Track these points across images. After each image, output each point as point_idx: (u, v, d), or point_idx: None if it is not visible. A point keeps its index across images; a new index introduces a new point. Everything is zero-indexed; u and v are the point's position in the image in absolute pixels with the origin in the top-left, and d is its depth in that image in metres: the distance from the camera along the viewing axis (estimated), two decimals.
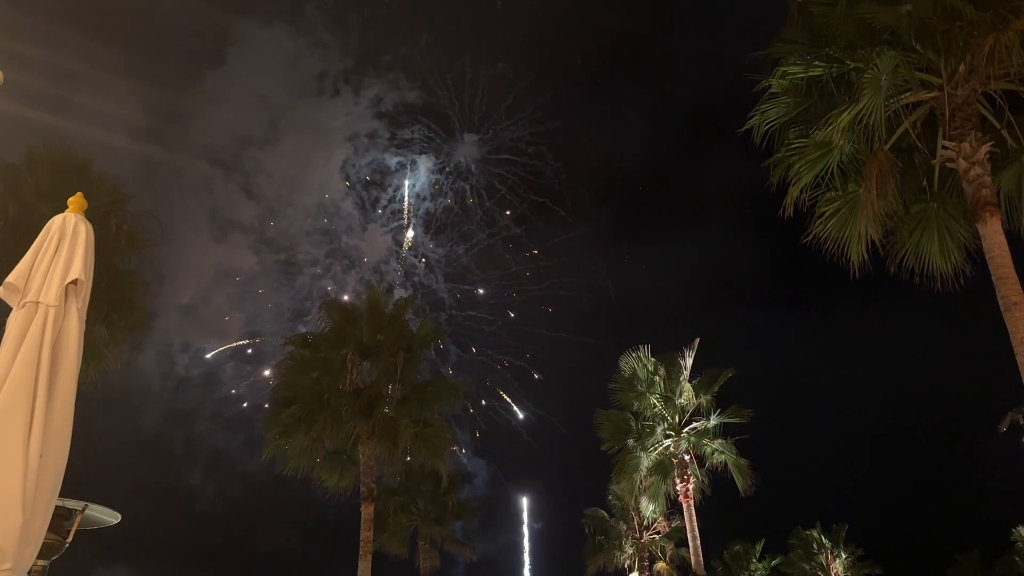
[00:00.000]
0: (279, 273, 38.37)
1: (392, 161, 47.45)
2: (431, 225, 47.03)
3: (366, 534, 22.91)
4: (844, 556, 41.64)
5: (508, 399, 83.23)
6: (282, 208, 45.37)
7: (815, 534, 42.38)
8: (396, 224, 43.55)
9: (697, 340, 27.87)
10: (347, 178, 44.37)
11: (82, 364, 5.94)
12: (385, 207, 43.27)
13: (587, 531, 36.47)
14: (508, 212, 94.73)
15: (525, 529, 71.57)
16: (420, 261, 45.61)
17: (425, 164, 46.40)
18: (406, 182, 46.32)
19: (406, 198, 45.52)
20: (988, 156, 12.55)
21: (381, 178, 45.81)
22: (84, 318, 5.96)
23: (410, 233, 45.45)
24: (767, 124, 13.68)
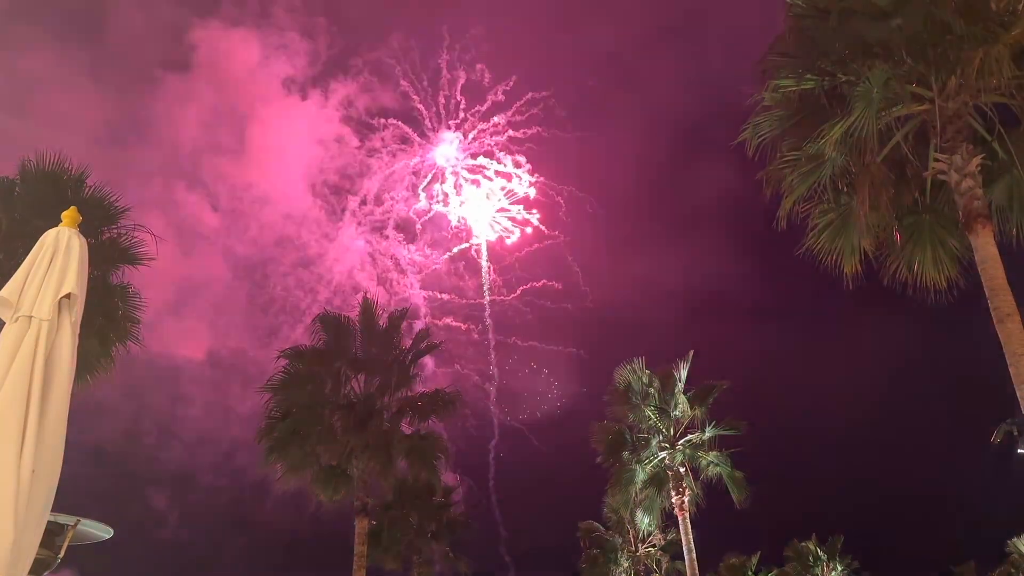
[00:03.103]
0: (248, 283, 38.30)
1: (364, 165, 47.42)
2: (405, 230, 46.93)
3: (360, 548, 22.80)
4: (840, 568, 41.60)
5: (489, 412, 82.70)
6: (250, 216, 45.40)
7: (811, 546, 42.36)
8: (369, 230, 43.72)
9: (691, 352, 27.90)
10: (317, 184, 44.36)
11: (75, 378, 5.91)
12: (356, 212, 43.33)
13: (582, 544, 36.35)
14: (488, 217, 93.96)
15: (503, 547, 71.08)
16: (394, 267, 45.73)
17: (399, 168, 46.32)
18: (378, 186, 46.64)
19: (380, 203, 45.79)
20: (979, 168, 12.63)
21: (352, 183, 45.81)
22: (77, 332, 5.94)
23: (384, 239, 45.67)
24: (760, 137, 13.75)
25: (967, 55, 12.07)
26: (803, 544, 42.67)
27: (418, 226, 50.60)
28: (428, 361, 37.82)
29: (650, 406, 27.15)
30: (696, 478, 26.66)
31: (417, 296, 42.29)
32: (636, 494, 26.88)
